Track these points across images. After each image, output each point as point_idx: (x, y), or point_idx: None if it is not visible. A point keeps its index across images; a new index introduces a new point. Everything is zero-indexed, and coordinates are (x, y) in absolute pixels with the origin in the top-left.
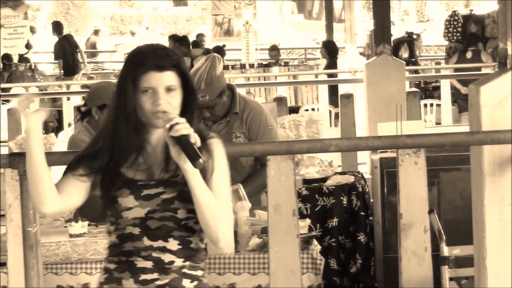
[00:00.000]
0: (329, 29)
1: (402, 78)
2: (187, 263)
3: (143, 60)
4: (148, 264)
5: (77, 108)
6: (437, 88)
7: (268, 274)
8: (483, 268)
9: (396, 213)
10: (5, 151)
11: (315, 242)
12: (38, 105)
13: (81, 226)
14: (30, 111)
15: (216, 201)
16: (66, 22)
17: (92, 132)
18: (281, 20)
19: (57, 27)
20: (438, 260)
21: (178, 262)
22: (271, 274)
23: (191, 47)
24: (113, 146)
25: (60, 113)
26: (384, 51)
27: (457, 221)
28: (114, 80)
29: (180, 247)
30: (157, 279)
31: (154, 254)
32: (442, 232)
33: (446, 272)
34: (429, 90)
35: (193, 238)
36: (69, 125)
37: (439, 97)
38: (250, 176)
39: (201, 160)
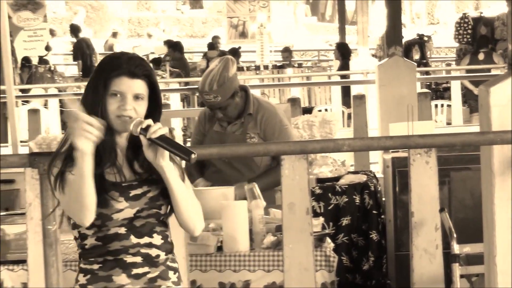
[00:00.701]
0: (342, 31)
1: (413, 79)
2: (169, 255)
3: (117, 64)
4: (138, 259)
5: None
6: (448, 89)
7: (282, 271)
8: (493, 266)
9: (408, 211)
10: (25, 150)
11: (328, 240)
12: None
13: None
14: (90, 135)
15: (190, 193)
16: (84, 25)
17: None
18: (295, 22)
19: (74, 29)
20: (449, 258)
21: (162, 255)
22: (286, 271)
23: (207, 49)
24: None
25: None
26: (396, 52)
27: (467, 220)
28: None
29: (162, 241)
30: (148, 272)
31: (142, 250)
32: (453, 230)
33: (457, 269)
34: (439, 91)
35: (168, 233)
36: None
37: (449, 98)
38: (264, 172)
39: (193, 154)
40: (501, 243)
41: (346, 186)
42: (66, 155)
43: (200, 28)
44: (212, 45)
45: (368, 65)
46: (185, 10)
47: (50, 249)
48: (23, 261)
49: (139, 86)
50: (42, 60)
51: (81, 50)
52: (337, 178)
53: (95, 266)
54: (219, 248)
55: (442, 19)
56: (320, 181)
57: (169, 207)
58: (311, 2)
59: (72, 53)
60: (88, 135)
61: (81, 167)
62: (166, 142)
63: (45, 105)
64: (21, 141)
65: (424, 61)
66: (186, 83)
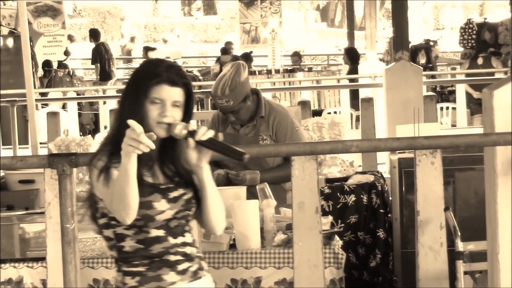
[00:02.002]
0: (351, 36)
1: (420, 82)
2: (197, 249)
3: (157, 72)
4: (179, 257)
5: None
6: (453, 92)
7: (292, 268)
8: (496, 263)
9: (414, 210)
10: (44, 152)
11: (336, 237)
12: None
13: None
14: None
15: (218, 194)
16: (102, 30)
17: None
18: (305, 28)
19: (94, 34)
20: (453, 255)
21: (194, 250)
22: (295, 268)
23: (220, 53)
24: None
25: (96, 116)
26: (403, 57)
27: (471, 218)
28: None
29: (192, 239)
30: (190, 266)
31: (179, 249)
32: (457, 228)
33: (461, 266)
34: (445, 94)
35: (192, 231)
36: (105, 127)
37: (454, 101)
38: (274, 167)
39: (246, 154)
40: (504, 240)
41: (354, 185)
42: (112, 151)
43: (214, 34)
44: (225, 50)
45: (376, 69)
46: (199, 16)
47: (68, 247)
48: (42, 259)
49: (178, 94)
50: (61, 65)
51: (100, 55)
52: (345, 178)
53: (142, 268)
54: (232, 246)
55: (448, 24)
56: (329, 181)
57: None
58: (321, 8)
59: (90, 57)
60: (140, 147)
61: (127, 166)
62: (215, 144)
63: (64, 107)
64: (41, 143)
65: (430, 65)
66: (200, 87)
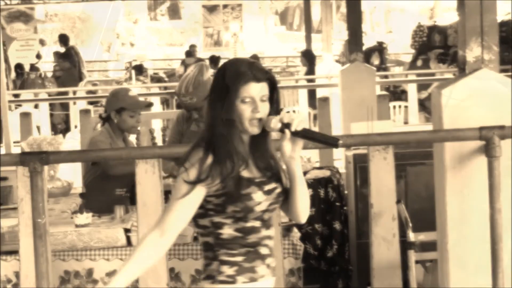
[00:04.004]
0: (308, 39)
1: (373, 82)
2: None
3: (242, 72)
4: (267, 250)
5: (99, 116)
6: (405, 91)
7: None
8: (445, 252)
9: (368, 203)
10: (17, 150)
11: (295, 229)
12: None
13: (85, 217)
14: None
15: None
16: (72, 35)
17: (112, 135)
18: (265, 31)
19: (63, 39)
20: (405, 245)
21: (273, 246)
22: None
23: (184, 56)
24: (231, 154)
25: (67, 116)
26: (357, 58)
27: (422, 210)
28: (120, 86)
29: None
30: (272, 262)
31: (267, 242)
32: (409, 220)
33: (412, 255)
34: (397, 93)
35: None
36: (75, 127)
37: (406, 100)
38: None
39: (340, 141)
40: (452, 231)
41: (312, 180)
42: (207, 151)
43: (178, 37)
44: (189, 53)
45: (332, 70)
46: (165, 21)
47: (40, 241)
48: (15, 252)
49: (264, 88)
50: (33, 68)
51: (70, 58)
52: (303, 173)
53: (239, 258)
54: (195, 238)
55: (399, 27)
56: None
57: None
58: (279, 13)
59: (60, 61)
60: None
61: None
62: (309, 133)
63: (36, 107)
64: (14, 142)
65: (383, 66)
66: (165, 88)
